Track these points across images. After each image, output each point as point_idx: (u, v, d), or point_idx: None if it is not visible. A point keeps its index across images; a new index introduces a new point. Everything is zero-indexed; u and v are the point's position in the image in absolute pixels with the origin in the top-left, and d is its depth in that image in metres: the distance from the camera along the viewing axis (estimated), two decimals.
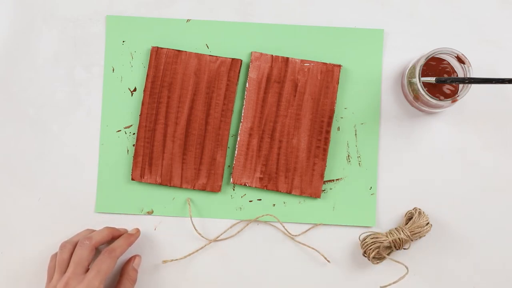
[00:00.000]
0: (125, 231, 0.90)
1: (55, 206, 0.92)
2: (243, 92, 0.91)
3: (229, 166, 0.91)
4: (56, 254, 0.87)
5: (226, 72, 0.90)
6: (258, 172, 0.90)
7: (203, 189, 0.90)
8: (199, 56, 0.90)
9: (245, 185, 0.90)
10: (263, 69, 0.90)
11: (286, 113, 0.90)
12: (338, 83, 0.90)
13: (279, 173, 0.90)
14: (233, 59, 0.90)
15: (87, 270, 0.83)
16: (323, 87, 0.90)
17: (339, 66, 0.90)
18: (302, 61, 0.90)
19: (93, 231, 0.89)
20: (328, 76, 0.90)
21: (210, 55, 0.90)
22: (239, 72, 0.90)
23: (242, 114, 0.90)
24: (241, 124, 0.90)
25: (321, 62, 0.90)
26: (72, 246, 0.85)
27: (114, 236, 0.88)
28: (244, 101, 0.90)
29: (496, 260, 0.90)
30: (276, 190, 0.90)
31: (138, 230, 0.90)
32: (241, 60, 0.90)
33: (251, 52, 0.91)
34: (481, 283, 0.90)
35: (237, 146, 0.90)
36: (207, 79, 0.90)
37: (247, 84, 0.90)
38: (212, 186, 0.90)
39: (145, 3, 0.92)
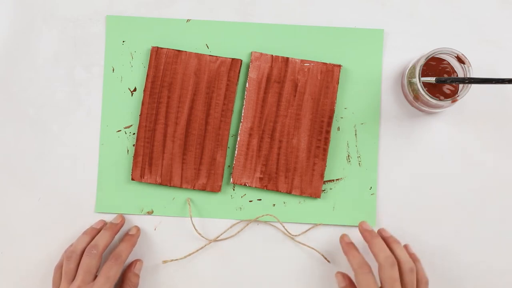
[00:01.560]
0: (122, 221, 0.90)
1: (55, 206, 0.92)
2: (243, 92, 0.91)
3: (229, 166, 0.91)
4: (59, 265, 0.87)
5: (226, 72, 0.90)
6: (258, 172, 0.90)
7: (203, 189, 0.90)
8: (199, 56, 0.90)
9: (245, 185, 0.90)
10: (263, 69, 0.90)
11: (286, 113, 0.90)
12: (338, 83, 0.90)
13: (279, 173, 0.90)
14: (233, 59, 0.90)
15: (95, 277, 0.84)
16: (323, 87, 0.90)
17: (339, 66, 0.90)
18: (302, 61, 0.90)
19: (93, 230, 0.89)
20: (328, 76, 0.90)
21: (210, 55, 0.90)
22: (239, 72, 0.90)
23: (242, 114, 0.90)
24: (241, 124, 0.90)
25: (321, 62, 0.90)
26: (78, 256, 0.86)
27: (115, 235, 0.88)
28: (244, 101, 0.90)
29: (496, 259, 0.90)
30: (276, 190, 0.90)
31: (138, 229, 0.90)
32: (241, 60, 0.90)
33: (251, 52, 0.90)
34: (480, 283, 0.90)
35: (237, 146, 0.90)
36: (207, 79, 0.90)
37: (247, 84, 0.90)
38: (212, 186, 0.90)
39: (145, 3, 0.92)
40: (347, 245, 0.86)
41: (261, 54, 0.90)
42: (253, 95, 0.90)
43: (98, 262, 0.85)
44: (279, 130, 0.90)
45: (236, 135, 0.91)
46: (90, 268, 0.84)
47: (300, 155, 0.90)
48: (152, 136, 0.90)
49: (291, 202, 0.91)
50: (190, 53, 0.90)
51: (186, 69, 0.90)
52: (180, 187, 0.90)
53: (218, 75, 0.90)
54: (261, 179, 0.90)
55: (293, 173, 0.89)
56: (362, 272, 0.82)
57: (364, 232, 0.86)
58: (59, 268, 0.87)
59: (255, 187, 0.90)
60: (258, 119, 0.90)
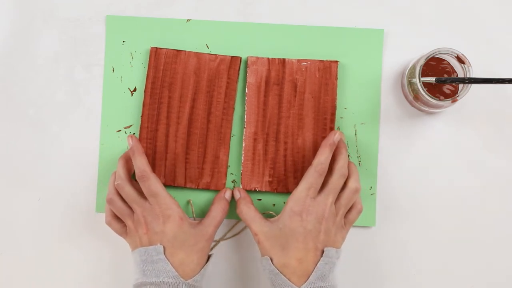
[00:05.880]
0: (135, 139, 0.88)
1: (55, 206, 0.91)
2: (243, 97, 0.91)
3: (229, 166, 0.91)
4: (111, 212, 0.87)
5: (226, 70, 0.90)
6: (267, 175, 0.89)
7: (207, 188, 0.90)
8: (198, 55, 0.90)
9: (255, 190, 0.89)
10: (261, 73, 0.90)
11: (288, 114, 0.90)
12: (337, 78, 0.90)
13: (288, 174, 0.90)
14: (232, 56, 0.90)
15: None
16: (322, 84, 0.90)
17: (336, 61, 0.90)
18: (299, 60, 0.90)
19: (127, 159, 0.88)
20: (326, 73, 0.90)
21: (209, 54, 0.90)
22: (238, 70, 0.90)
23: (245, 120, 0.90)
24: (244, 129, 0.90)
25: (318, 60, 0.90)
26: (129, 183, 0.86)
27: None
28: (245, 106, 0.90)
29: (495, 259, 0.91)
30: (287, 191, 0.89)
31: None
32: (241, 58, 0.90)
33: (247, 57, 0.90)
34: (480, 283, 0.91)
35: (243, 152, 0.90)
36: (207, 78, 0.90)
37: (246, 89, 0.90)
38: (216, 185, 0.90)
39: (145, 3, 0.92)
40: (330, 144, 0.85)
41: (257, 58, 0.90)
42: (254, 99, 0.90)
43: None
44: (283, 131, 0.90)
45: (237, 135, 0.91)
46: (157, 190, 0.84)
47: (307, 154, 0.90)
48: (154, 136, 0.90)
49: None
50: (189, 52, 0.90)
51: (186, 69, 0.90)
52: (184, 186, 0.90)
53: (218, 73, 0.90)
54: (270, 182, 0.90)
55: (301, 173, 0.89)
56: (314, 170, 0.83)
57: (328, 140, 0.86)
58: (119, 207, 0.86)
59: (266, 191, 0.90)
60: (261, 123, 0.90)
